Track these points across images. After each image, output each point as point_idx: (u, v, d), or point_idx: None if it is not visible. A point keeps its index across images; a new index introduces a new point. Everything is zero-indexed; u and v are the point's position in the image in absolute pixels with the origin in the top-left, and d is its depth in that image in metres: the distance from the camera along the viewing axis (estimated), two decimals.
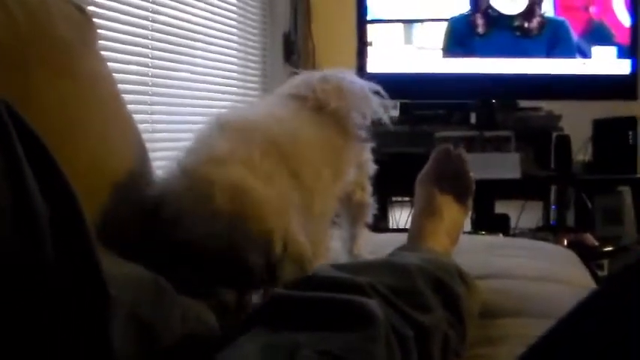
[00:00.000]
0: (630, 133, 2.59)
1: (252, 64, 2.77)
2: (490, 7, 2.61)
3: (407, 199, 2.78)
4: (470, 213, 1.23)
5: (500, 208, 2.79)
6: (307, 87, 1.05)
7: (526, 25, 2.60)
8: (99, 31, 1.14)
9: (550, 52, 2.61)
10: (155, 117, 2.07)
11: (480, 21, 2.61)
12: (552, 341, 0.46)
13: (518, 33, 2.61)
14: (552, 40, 2.61)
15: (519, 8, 2.60)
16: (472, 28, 2.62)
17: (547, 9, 2.62)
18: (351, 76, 1.10)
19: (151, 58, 2.03)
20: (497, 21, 2.62)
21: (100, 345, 0.51)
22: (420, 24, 2.66)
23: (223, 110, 2.52)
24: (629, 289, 0.45)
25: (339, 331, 0.60)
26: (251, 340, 0.60)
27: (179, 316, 0.62)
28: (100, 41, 1.13)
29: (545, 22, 2.61)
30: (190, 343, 0.62)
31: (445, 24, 2.63)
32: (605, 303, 0.46)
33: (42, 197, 0.49)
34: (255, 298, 0.78)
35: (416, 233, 1.10)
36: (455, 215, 1.13)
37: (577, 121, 2.72)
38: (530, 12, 2.61)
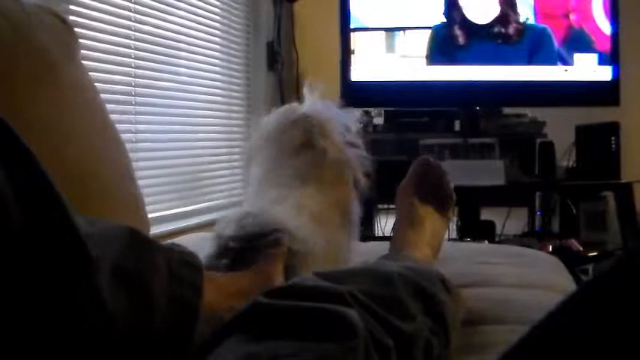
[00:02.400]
0: (613, 138, 2.62)
1: (236, 73, 2.77)
2: (465, 17, 2.63)
3: (392, 206, 2.78)
4: (450, 223, 1.24)
5: (486, 214, 2.80)
6: (302, 131, 1.06)
7: (503, 31, 2.62)
8: (81, 41, 1.14)
9: (531, 59, 2.63)
10: (139, 127, 2.07)
11: (458, 31, 2.63)
12: (532, 340, 0.46)
13: (498, 40, 2.63)
14: (533, 47, 2.63)
15: (490, 17, 2.62)
16: (454, 36, 2.64)
17: (527, 16, 2.64)
18: (331, 111, 1.12)
19: (134, 68, 2.02)
20: (476, 29, 2.64)
21: (93, 307, 0.51)
22: (402, 32, 2.67)
23: (207, 120, 2.52)
24: (609, 291, 0.46)
25: (319, 342, 0.60)
26: (230, 350, 0.60)
27: (163, 261, 0.61)
28: (82, 51, 1.13)
29: (524, 28, 2.63)
30: (178, 286, 0.61)
31: (428, 32, 2.64)
32: (584, 304, 0.46)
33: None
34: None
35: (397, 243, 1.10)
36: (436, 225, 1.13)
37: (560, 127, 2.74)
38: (504, 19, 2.63)
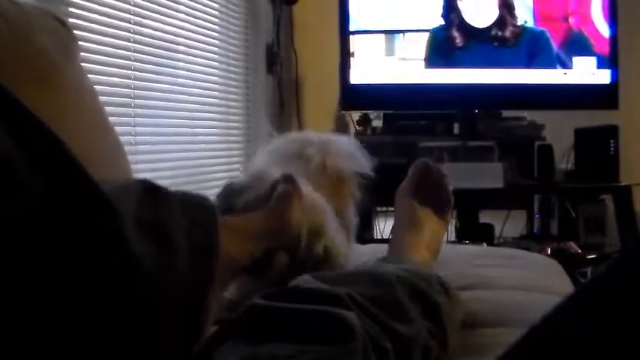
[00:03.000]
0: (612, 141, 2.62)
1: (235, 76, 2.77)
2: (464, 20, 2.63)
3: (391, 209, 2.78)
4: (449, 226, 1.24)
5: (485, 217, 2.80)
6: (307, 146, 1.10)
7: (500, 34, 2.62)
8: (80, 43, 1.14)
9: (530, 62, 2.63)
10: (138, 129, 2.07)
11: (456, 34, 2.63)
12: (530, 341, 0.46)
13: (495, 43, 2.63)
14: (532, 50, 2.63)
15: (489, 20, 2.63)
16: (453, 39, 2.64)
17: (526, 19, 2.64)
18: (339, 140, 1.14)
19: (134, 70, 2.03)
20: (475, 32, 2.64)
21: (123, 257, 0.51)
22: (401, 35, 2.68)
23: (206, 122, 2.52)
24: (608, 292, 0.46)
25: (317, 344, 0.60)
26: (229, 352, 0.60)
27: (179, 208, 0.61)
28: (81, 53, 1.14)
29: (521, 31, 2.63)
30: (196, 230, 0.61)
31: (426, 35, 2.65)
32: (582, 306, 0.46)
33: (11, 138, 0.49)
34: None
35: (396, 246, 1.10)
36: (435, 228, 1.13)
37: (559, 130, 2.74)
38: (502, 22, 2.63)
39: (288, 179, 0.84)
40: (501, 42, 2.62)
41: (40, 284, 0.47)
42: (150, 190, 0.61)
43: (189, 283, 0.58)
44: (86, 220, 0.51)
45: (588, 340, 0.43)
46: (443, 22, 2.64)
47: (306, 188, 0.90)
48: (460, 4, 2.63)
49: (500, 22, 2.63)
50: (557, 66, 2.63)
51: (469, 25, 2.63)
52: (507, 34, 2.62)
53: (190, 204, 0.64)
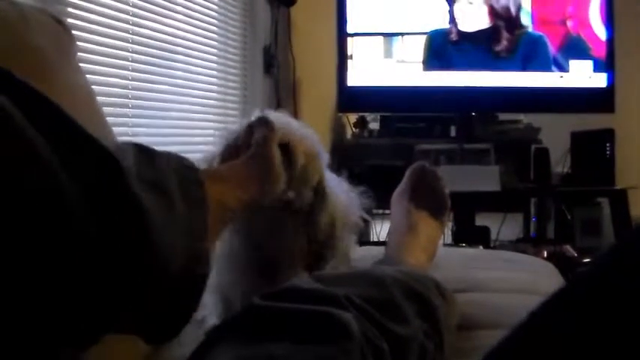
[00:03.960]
0: (608, 145, 2.63)
1: (232, 77, 2.77)
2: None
3: (388, 211, 2.78)
4: (445, 229, 1.24)
5: (481, 220, 2.80)
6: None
7: (497, 49, 2.63)
8: (78, 43, 1.14)
9: (526, 66, 2.64)
10: (135, 129, 2.07)
11: (454, 37, 2.64)
12: (515, 339, 0.47)
13: (493, 47, 2.64)
14: (528, 54, 2.64)
15: (478, 26, 2.64)
16: (450, 43, 2.65)
17: (524, 23, 2.65)
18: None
19: (131, 71, 2.02)
20: (472, 36, 2.65)
21: (133, 209, 0.53)
22: (399, 37, 2.68)
23: (203, 123, 2.52)
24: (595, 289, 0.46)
25: (314, 344, 0.61)
26: (226, 352, 0.60)
27: (169, 167, 0.64)
28: (79, 53, 1.13)
29: (517, 39, 2.63)
30: (186, 185, 0.64)
31: (424, 37, 2.65)
32: (568, 303, 0.47)
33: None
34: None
35: (392, 249, 1.10)
36: (430, 231, 1.13)
37: (555, 133, 2.75)
38: (496, 33, 2.64)
39: (263, 121, 0.84)
40: (496, 54, 2.63)
41: (52, 237, 0.48)
42: (142, 150, 0.64)
43: (188, 234, 0.60)
44: (95, 174, 0.52)
45: (570, 338, 0.43)
46: (442, 26, 2.64)
47: (294, 122, 0.92)
48: (454, 8, 2.64)
49: (494, 34, 2.63)
50: (554, 69, 2.64)
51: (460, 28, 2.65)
52: (500, 47, 2.63)
53: (176, 163, 0.66)
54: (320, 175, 0.91)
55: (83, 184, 0.50)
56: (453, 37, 2.64)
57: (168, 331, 0.59)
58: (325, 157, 0.95)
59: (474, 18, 2.64)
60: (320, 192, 0.91)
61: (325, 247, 0.91)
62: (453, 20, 2.65)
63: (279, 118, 0.90)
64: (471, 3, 2.64)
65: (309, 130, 0.94)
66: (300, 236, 0.90)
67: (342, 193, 0.99)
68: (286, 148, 0.85)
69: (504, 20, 2.63)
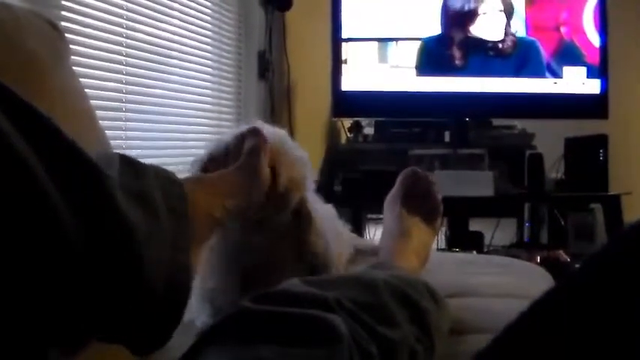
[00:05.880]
0: (601, 151, 2.63)
1: (227, 82, 2.77)
2: (466, 31, 2.65)
3: (381, 216, 2.79)
4: (438, 234, 1.24)
5: (475, 225, 2.81)
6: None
7: (501, 46, 2.64)
8: (72, 46, 1.14)
9: (518, 71, 2.65)
10: (129, 133, 2.06)
11: (449, 43, 2.65)
12: (505, 340, 0.47)
13: (491, 53, 2.65)
14: (522, 60, 2.65)
15: (501, 35, 2.65)
16: (445, 49, 2.65)
17: (517, 29, 2.66)
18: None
19: (125, 75, 2.02)
20: (470, 43, 2.65)
21: (116, 221, 0.53)
22: (394, 43, 2.69)
23: (198, 127, 2.52)
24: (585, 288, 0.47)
25: (303, 347, 0.61)
26: (215, 355, 0.60)
27: (154, 179, 0.64)
28: (73, 57, 1.13)
29: (517, 41, 2.65)
30: (170, 199, 0.64)
31: (419, 43, 2.66)
32: (558, 302, 0.47)
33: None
34: None
35: (384, 254, 1.10)
36: (423, 236, 1.13)
37: (549, 139, 2.76)
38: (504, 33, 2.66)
39: (255, 132, 0.84)
40: (497, 52, 2.64)
41: (37, 244, 0.48)
42: (127, 161, 0.63)
43: (173, 247, 0.60)
44: (80, 184, 0.52)
45: (559, 338, 0.44)
46: (436, 32, 2.65)
47: (288, 141, 0.91)
48: (476, 20, 2.64)
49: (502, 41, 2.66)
50: (548, 75, 2.65)
51: (468, 36, 2.65)
52: (507, 44, 2.64)
53: (161, 176, 0.66)
54: (302, 200, 0.91)
55: (68, 195, 0.50)
56: (449, 43, 2.64)
57: (153, 342, 0.59)
58: (311, 184, 0.94)
59: (498, 27, 2.65)
60: (304, 217, 0.91)
61: (318, 270, 0.92)
62: (447, 26, 2.65)
63: (275, 133, 0.90)
64: (485, 13, 2.66)
65: (303, 152, 0.93)
66: (288, 251, 0.91)
67: (328, 220, 0.99)
68: (273, 170, 0.85)
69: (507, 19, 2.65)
